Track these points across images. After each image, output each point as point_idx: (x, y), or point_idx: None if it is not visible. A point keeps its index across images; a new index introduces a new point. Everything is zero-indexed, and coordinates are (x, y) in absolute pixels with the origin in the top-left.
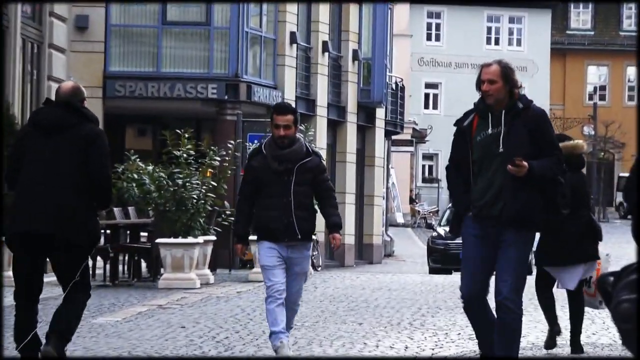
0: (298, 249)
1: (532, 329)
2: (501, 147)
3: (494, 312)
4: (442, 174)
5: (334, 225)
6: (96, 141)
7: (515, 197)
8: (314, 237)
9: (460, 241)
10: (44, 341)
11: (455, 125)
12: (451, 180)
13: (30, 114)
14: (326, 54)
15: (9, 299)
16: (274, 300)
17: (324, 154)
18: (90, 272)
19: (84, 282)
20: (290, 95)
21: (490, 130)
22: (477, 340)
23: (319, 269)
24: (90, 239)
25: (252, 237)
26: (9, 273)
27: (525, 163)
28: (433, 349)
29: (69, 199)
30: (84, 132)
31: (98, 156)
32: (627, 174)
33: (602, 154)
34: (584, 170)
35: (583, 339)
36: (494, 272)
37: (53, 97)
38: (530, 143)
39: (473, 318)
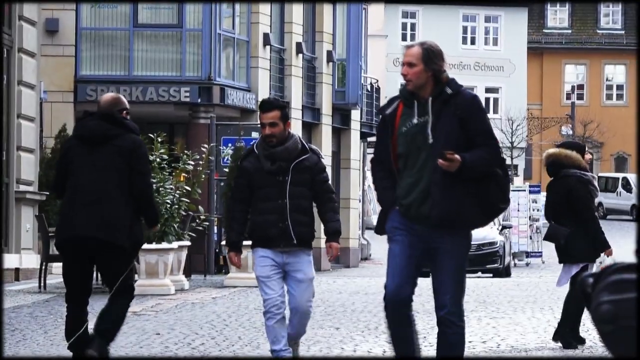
0: (295, 253)
1: (511, 331)
2: (429, 138)
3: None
4: None
5: (334, 232)
6: (137, 151)
7: (445, 195)
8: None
9: None
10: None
11: (378, 113)
12: (375, 175)
13: (74, 127)
14: (300, 55)
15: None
16: (272, 316)
17: None
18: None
19: (127, 284)
20: (264, 97)
21: (416, 120)
22: (392, 346)
23: None
24: (133, 243)
25: (247, 242)
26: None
27: (457, 156)
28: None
29: (112, 205)
30: (125, 142)
31: (139, 165)
32: (606, 174)
33: None
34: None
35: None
36: (433, 283)
37: (24, 102)
38: (461, 133)
39: (395, 321)
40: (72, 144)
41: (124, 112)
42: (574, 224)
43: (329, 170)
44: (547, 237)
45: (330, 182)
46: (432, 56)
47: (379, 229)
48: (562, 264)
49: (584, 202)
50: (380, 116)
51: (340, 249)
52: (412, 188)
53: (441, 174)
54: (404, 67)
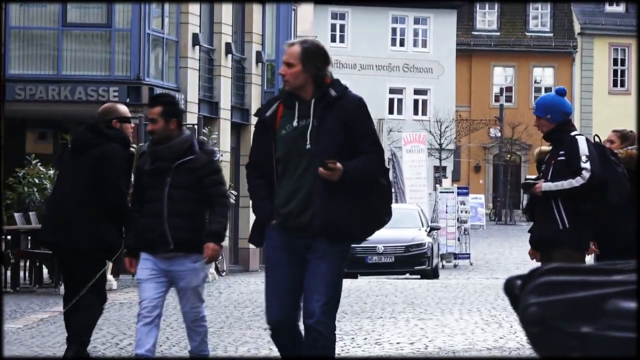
0: (178, 260)
1: (439, 333)
2: (309, 143)
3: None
4: None
5: (210, 233)
6: (109, 160)
7: (327, 204)
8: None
9: (368, 245)
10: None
11: (256, 115)
12: (251, 182)
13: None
14: (229, 55)
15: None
16: (141, 319)
17: (227, 157)
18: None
19: (98, 288)
20: (193, 97)
21: (296, 123)
22: None
23: (224, 274)
24: (98, 247)
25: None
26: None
27: (339, 165)
28: (339, 354)
29: (76, 211)
30: (100, 151)
31: (108, 174)
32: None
33: (509, 156)
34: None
35: (490, 343)
36: (304, 287)
37: None
38: (345, 138)
39: (283, 347)
40: (64, 152)
41: (114, 120)
42: None
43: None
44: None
45: (225, 185)
46: (311, 56)
47: (254, 240)
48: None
49: None
50: (257, 118)
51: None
52: (292, 196)
53: (323, 182)
54: (282, 67)
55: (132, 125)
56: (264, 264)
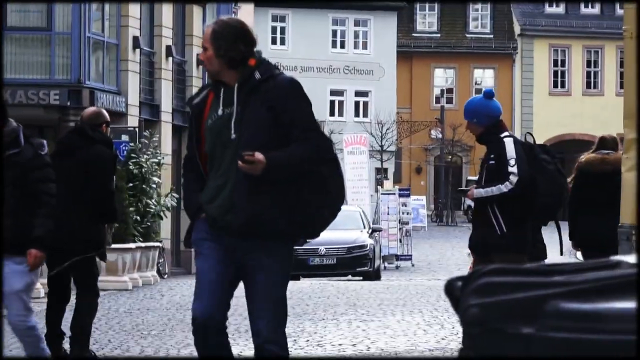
0: (5, 263)
1: (381, 334)
2: (233, 133)
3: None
4: None
5: (34, 239)
6: (96, 162)
7: (250, 201)
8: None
9: (310, 247)
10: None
11: (187, 104)
12: (184, 176)
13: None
14: (170, 58)
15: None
16: None
17: (168, 160)
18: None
19: (89, 286)
20: (134, 100)
21: (220, 112)
22: None
23: (166, 276)
24: (91, 246)
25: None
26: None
27: (259, 156)
28: None
29: (68, 212)
30: (86, 154)
31: (95, 176)
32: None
33: (450, 157)
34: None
35: (433, 344)
36: (247, 306)
37: None
38: (272, 125)
39: (205, 348)
40: (52, 155)
41: (101, 125)
42: None
43: None
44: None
45: (53, 182)
46: (221, 37)
47: (188, 242)
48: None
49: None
50: (189, 108)
51: None
52: (218, 193)
53: (246, 176)
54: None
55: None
56: (195, 258)
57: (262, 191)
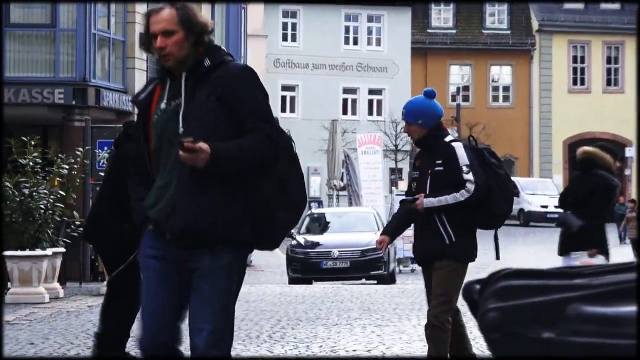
0: None
1: (397, 340)
2: (181, 127)
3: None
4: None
5: None
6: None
7: (193, 201)
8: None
9: (322, 249)
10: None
11: (132, 101)
12: (130, 179)
13: (119, 149)
14: None
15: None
16: None
17: None
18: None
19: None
20: None
21: (165, 104)
22: None
23: None
24: (117, 247)
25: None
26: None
27: (203, 145)
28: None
29: (100, 211)
30: (121, 151)
31: (124, 174)
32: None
33: None
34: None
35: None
36: (188, 315)
37: None
38: (222, 117)
39: None
40: (116, 161)
41: None
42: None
43: None
44: (560, 224)
45: None
46: (192, 17)
47: (87, 233)
48: (561, 257)
49: (602, 203)
50: (135, 105)
51: None
52: (161, 194)
53: (189, 173)
54: (158, 39)
55: None
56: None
57: (209, 190)
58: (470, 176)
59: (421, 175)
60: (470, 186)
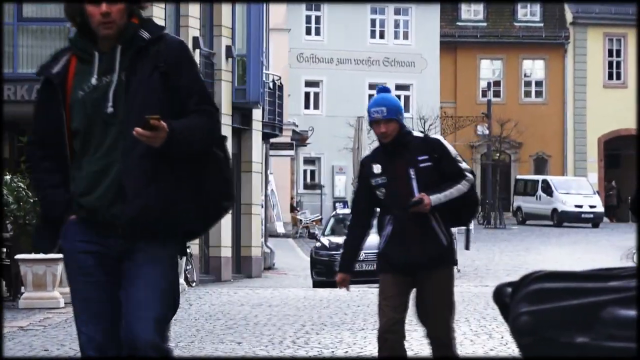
0: None
1: (425, 345)
2: (111, 106)
3: None
4: (325, 179)
5: None
6: None
7: (145, 189)
8: (188, 250)
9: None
10: None
11: (38, 74)
12: (35, 166)
13: None
14: (197, 50)
15: None
16: None
17: None
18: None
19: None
20: None
21: (96, 80)
22: None
23: (194, 284)
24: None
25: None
26: None
27: (163, 124)
28: None
29: None
30: None
31: None
32: (524, 177)
33: (498, 155)
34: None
35: (480, 355)
36: (124, 306)
37: None
38: (165, 96)
39: None
40: None
41: None
42: None
43: None
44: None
45: None
46: None
47: (41, 243)
48: None
49: None
50: (44, 78)
51: (242, 258)
52: (98, 180)
53: (138, 158)
54: (103, 5)
55: None
56: (68, 273)
57: (159, 176)
58: (466, 165)
59: (395, 178)
60: (470, 175)
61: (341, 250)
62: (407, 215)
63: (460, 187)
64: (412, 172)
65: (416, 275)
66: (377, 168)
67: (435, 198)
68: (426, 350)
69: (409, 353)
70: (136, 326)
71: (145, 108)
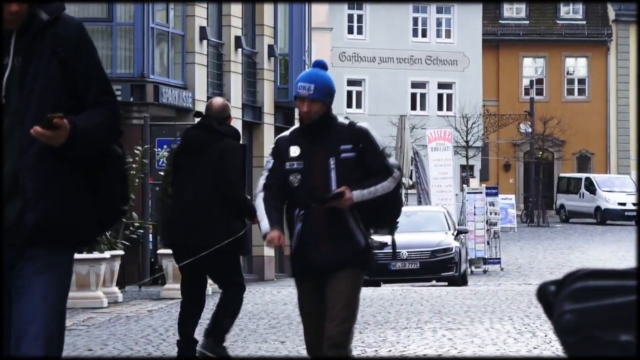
0: None
1: (469, 343)
2: (11, 95)
3: None
4: None
5: None
6: (225, 155)
7: (45, 191)
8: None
9: (391, 250)
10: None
11: None
12: None
13: (182, 135)
14: (239, 50)
15: None
16: None
17: None
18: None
19: (234, 282)
20: (201, 95)
21: None
22: None
23: None
24: (234, 244)
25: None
26: None
27: (66, 123)
28: None
29: (203, 211)
30: (217, 148)
31: (225, 169)
32: (567, 175)
33: (541, 153)
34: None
35: (524, 353)
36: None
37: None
38: (64, 84)
39: None
40: (177, 152)
41: (227, 119)
42: None
43: None
44: None
45: None
46: None
47: None
48: None
49: None
50: None
51: (285, 257)
52: None
53: (36, 156)
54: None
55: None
56: None
57: (59, 178)
58: (393, 161)
59: (314, 166)
60: (397, 173)
61: (385, 249)
62: (321, 210)
63: (386, 185)
64: (332, 161)
65: (328, 275)
66: (294, 150)
67: (358, 194)
68: (469, 348)
69: (453, 352)
70: (24, 345)
71: (43, 99)
